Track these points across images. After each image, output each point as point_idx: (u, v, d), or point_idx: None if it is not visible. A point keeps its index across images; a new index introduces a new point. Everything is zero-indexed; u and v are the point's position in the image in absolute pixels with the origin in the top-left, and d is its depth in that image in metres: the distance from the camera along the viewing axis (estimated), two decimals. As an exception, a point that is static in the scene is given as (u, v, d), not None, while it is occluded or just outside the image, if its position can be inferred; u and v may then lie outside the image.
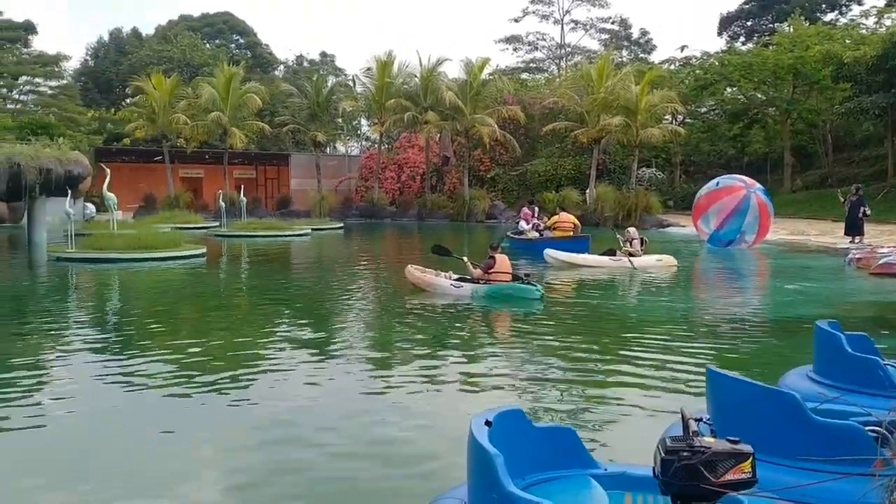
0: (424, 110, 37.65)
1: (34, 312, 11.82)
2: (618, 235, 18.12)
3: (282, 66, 65.78)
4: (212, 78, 40.56)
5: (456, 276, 12.67)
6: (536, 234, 21.21)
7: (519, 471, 3.18)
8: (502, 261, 12.47)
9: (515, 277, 12.26)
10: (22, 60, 51.60)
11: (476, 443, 2.90)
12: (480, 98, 38.00)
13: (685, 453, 2.64)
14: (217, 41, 62.75)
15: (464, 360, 8.28)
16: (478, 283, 12.30)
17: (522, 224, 22.89)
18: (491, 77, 40.16)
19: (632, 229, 17.83)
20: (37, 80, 52.28)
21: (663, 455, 2.68)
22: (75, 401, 6.69)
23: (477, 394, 6.89)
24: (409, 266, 13.35)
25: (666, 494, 2.74)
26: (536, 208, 25.33)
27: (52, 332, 9.96)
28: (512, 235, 22.15)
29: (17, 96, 52.65)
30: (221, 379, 7.35)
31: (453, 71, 77.74)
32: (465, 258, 12.90)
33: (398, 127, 41.57)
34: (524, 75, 57.44)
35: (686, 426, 2.77)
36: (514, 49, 63.14)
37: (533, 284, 11.95)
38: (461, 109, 36.79)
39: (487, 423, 3.06)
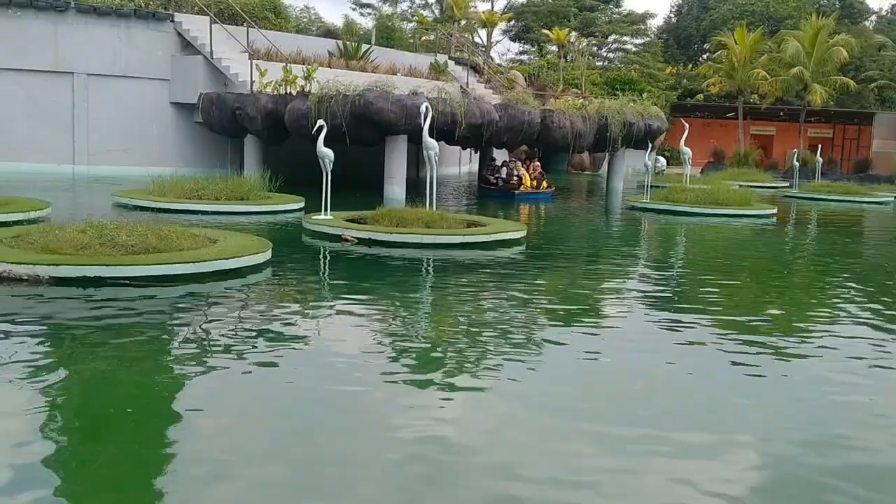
0: None
1: (607, 255, 12.85)
2: None
3: (874, 16, 59.44)
4: (797, 31, 38.58)
5: None
6: None
7: None
8: None
9: None
10: (612, 20, 55.64)
11: None
12: None
13: None
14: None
15: None
16: None
17: None
18: None
19: None
20: (624, 38, 55.97)
21: None
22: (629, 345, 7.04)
23: None
24: None
25: None
26: None
27: (617, 275, 10.70)
28: None
29: (605, 54, 57.13)
30: (774, 347, 7.02)
31: None
32: None
33: None
34: None
35: None
36: None
37: None
38: None
39: None
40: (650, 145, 21.31)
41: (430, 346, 6.75)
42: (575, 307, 8.50)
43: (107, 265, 8.16)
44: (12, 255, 8.33)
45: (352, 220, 12.57)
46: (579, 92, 34.73)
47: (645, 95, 30.03)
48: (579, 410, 5.30)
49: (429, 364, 6.11)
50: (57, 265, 8.03)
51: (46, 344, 6.26)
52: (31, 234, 9.14)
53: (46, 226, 10.22)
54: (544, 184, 22.17)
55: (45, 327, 6.66)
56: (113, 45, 21.65)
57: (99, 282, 8.00)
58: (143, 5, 22.61)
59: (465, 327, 7.41)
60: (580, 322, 7.79)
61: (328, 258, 11.09)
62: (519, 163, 22.35)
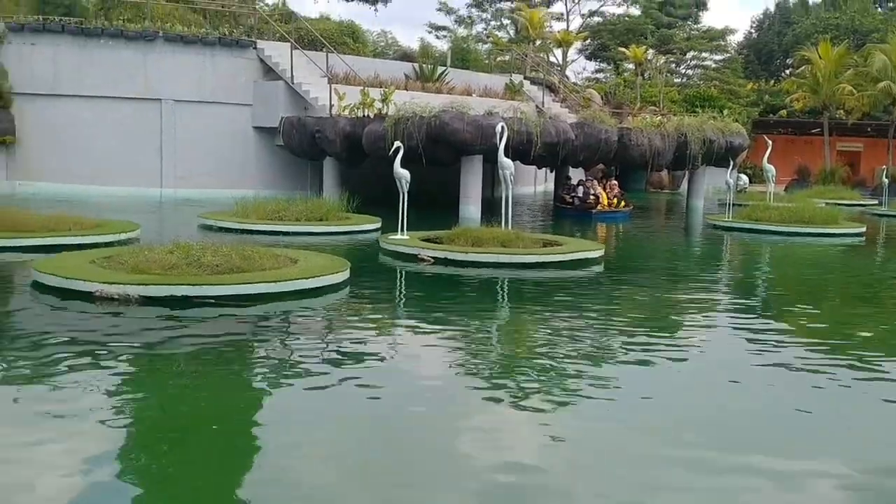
0: None
1: (688, 275, 12.58)
2: None
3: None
4: (884, 45, 37.25)
5: None
6: None
7: None
8: None
9: None
10: (691, 36, 54.77)
11: None
12: None
13: None
14: (891, 4, 57.27)
15: None
16: None
17: None
18: None
19: None
20: (703, 54, 55.02)
21: None
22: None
23: None
24: None
25: None
26: None
27: (698, 296, 10.45)
28: None
29: (683, 70, 56.26)
30: (868, 369, 6.72)
31: None
32: None
33: None
34: None
35: None
36: None
37: None
38: None
39: None
40: (731, 163, 20.86)
41: (506, 366, 6.71)
42: (656, 328, 8.35)
43: (193, 285, 8.42)
44: (104, 275, 8.66)
45: (428, 240, 12.65)
46: (657, 109, 34.27)
47: (725, 112, 29.41)
48: (662, 435, 5.18)
49: (506, 385, 6.07)
50: (146, 285, 8.32)
51: (135, 360, 6.47)
52: (122, 255, 9.50)
53: (136, 247, 10.62)
54: (622, 202, 21.91)
55: (134, 345, 6.89)
56: (199, 72, 22.42)
57: (185, 301, 8.24)
58: (227, 33, 23.36)
59: (543, 348, 7.36)
60: (661, 344, 7.63)
61: (405, 277, 11.18)
62: (595, 181, 22.15)
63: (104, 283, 8.30)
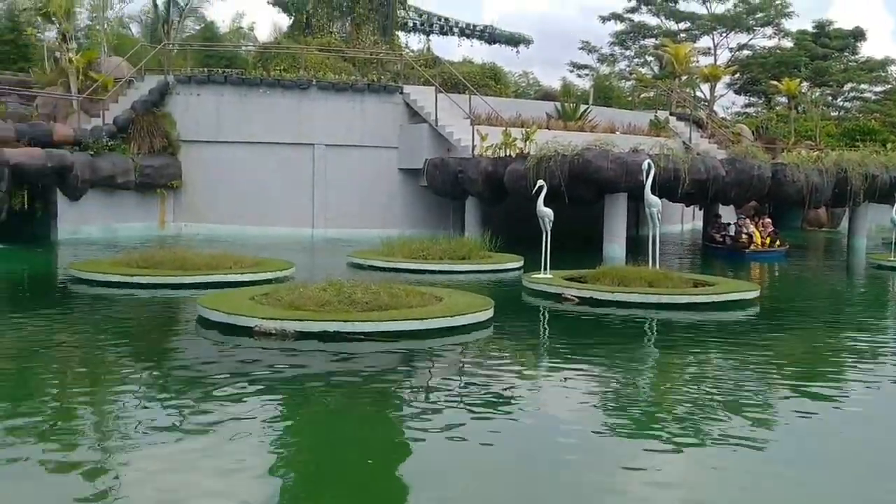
0: None
1: (850, 318, 11.78)
2: None
3: None
4: None
5: None
6: None
7: None
8: None
9: None
10: (848, 67, 52.09)
11: None
12: None
13: None
14: None
15: None
16: None
17: None
18: None
19: None
20: (862, 86, 52.15)
21: None
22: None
23: None
24: None
25: None
26: None
27: (862, 341, 9.73)
28: None
29: (840, 103, 53.47)
30: None
31: None
32: None
33: None
34: None
35: None
36: None
37: None
38: None
39: None
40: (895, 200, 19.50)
41: (654, 411, 6.49)
42: (815, 375, 7.86)
43: (344, 321, 8.68)
44: (263, 311, 9.09)
45: (572, 279, 12.51)
46: (814, 144, 32.66)
47: (889, 146, 27.62)
48: (819, 491, 4.84)
49: (653, 431, 5.87)
50: (301, 320, 8.66)
51: (290, 392, 6.71)
52: (279, 292, 9.94)
53: (291, 284, 11.09)
54: (776, 241, 20.90)
55: (290, 377, 7.16)
56: (348, 117, 23.38)
57: (337, 336, 8.50)
58: (375, 80, 24.27)
59: (694, 393, 7.07)
60: (821, 392, 7.16)
61: (549, 317, 11.08)
62: (748, 220, 21.27)
63: (263, 318, 8.70)
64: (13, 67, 27.41)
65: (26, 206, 19.22)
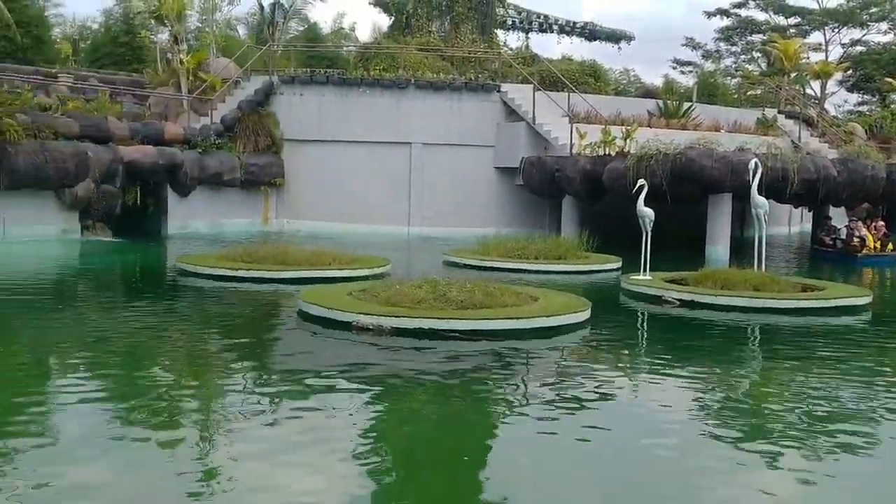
0: None
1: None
2: None
3: None
4: None
5: None
6: None
7: None
8: None
9: None
10: (974, 62, 48.99)
11: None
12: None
13: None
14: None
15: None
16: None
17: None
18: None
19: None
20: None
21: None
22: None
23: None
24: None
25: None
26: None
27: None
28: None
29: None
30: None
31: None
32: None
33: None
34: None
35: None
36: None
37: None
38: None
39: None
40: None
41: (756, 420, 6.25)
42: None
43: (439, 318, 8.72)
44: (361, 306, 9.22)
45: (672, 281, 12.19)
46: (932, 143, 30.85)
47: None
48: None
49: (756, 440, 5.65)
50: (397, 317, 8.74)
51: (385, 387, 6.79)
52: (376, 289, 10.07)
53: (388, 281, 11.21)
54: (890, 245, 19.84)
55: (385, 372, 7.24)
56: (446, 115, 23.48)
57: (432, 333, 8.55)
58: (472, 78, 24.30)
59: (799, 404, 6.76)
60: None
61: (648, 319, 10.84)
62: (860, 222, 20.29)
63: (360, 313, 8.83)
64: (128, 68, 28.77)
65: (139, 202, 20.08)
